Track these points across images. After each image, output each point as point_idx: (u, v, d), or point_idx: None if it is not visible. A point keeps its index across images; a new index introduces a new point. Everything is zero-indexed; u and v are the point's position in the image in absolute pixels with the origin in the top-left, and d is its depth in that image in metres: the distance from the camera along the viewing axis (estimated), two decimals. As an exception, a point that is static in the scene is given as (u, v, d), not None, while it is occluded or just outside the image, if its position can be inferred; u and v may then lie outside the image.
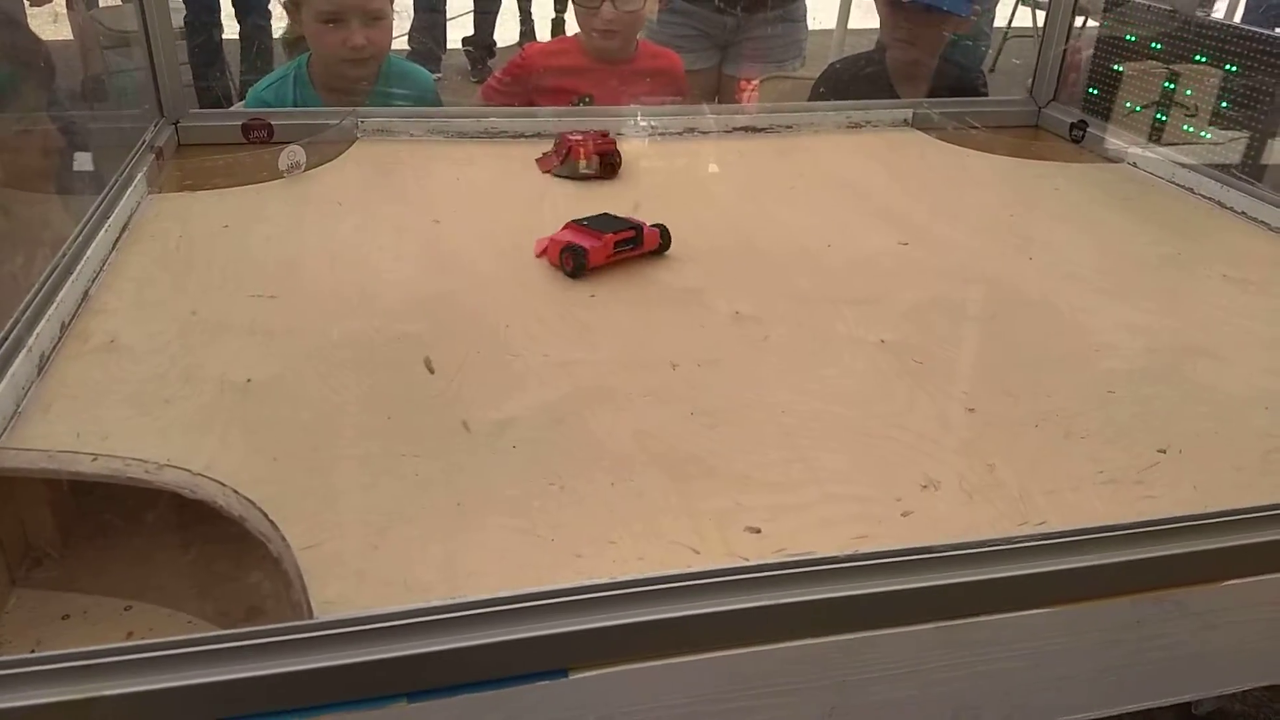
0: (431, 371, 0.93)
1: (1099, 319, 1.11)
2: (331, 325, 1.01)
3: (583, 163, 1.44)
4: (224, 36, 3.65)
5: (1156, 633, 0.72)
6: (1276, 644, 0.77)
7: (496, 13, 4.70)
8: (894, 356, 1.01)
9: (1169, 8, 1.61)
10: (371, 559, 0.70)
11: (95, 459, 0.80)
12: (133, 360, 0.94)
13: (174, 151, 1.48)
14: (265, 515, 0.72)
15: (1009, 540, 0.67)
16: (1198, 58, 1.55)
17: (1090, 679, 0.73)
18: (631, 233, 1.20)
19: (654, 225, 1.23)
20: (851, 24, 4.32)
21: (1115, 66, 1.69)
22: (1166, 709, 1.87)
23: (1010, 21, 5.00)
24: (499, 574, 0.70)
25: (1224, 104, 1.51)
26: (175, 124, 1.50)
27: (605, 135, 1.49)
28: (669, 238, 1.24)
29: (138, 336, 0.98)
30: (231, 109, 1.70)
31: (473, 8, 4.68)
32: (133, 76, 1.56)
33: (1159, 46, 1.62)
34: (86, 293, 1.06)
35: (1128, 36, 1.66)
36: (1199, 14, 1.59)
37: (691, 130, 1.68)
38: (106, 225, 1.16)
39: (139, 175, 1.30)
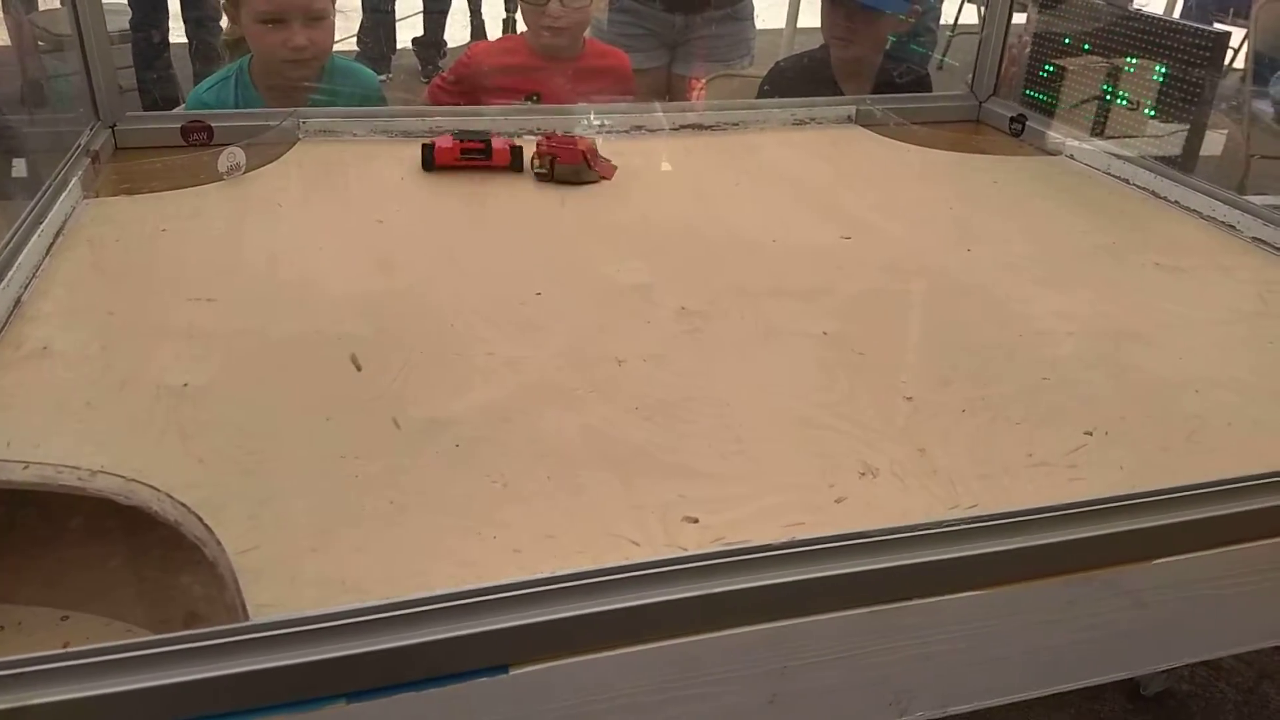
0: (358, 369, 0.93)
1: (1035, 308, 1.13)
2: (271, 328, 1.00)
3: (536, 162, 1.45)
4: (177, 40, 3.59)
5: (1089, 612, 0.74)
6: (1205, 621, 0.79)
7: (446, 12, 4.67)
8: (836, 348, 1.02)
9: (1105, 2, 1.65)
10: (309, 561, 0.69)
11: (27, 467, 0.78)
12: (66, 367, 0.93)
13: (111, 155, 1.46)
14: (200, 520, 0.71)
15: (941, 524, 0.68)
16: (1129, 59, 1.58)
17: (1025, 660, 0.75)
18: (481, 145, 1.37)
19: (512, 146, 1.40)
20: (801, 23, 4.35)
21: (1053, 61, 1.72)
22: (1116, 691, 1.92)
23: (956, 19, 5.08)
24: (440, 573, 0.70)
25: (1150, 107, 1.55)
26: (112, 127, 1.48)
27: (573, 139, 1.49)
28: (520, 159, 1.41)
29: (71, 343, 0.97)
30: (171, 112, 1.67)
31: (422, 8, 4.65)
32: (71, 81, 1.54)
33: (1088, 47, 1.65)
34: (19, 299, 1.03)
35: (1064, 38, 1.69)
36: (1131, 8, 1.63)
37: (639, 128, 1.69)
38: (39, 231, 1.13)
39: (74, 179, 1.28)
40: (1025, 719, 1.71)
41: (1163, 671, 1.70)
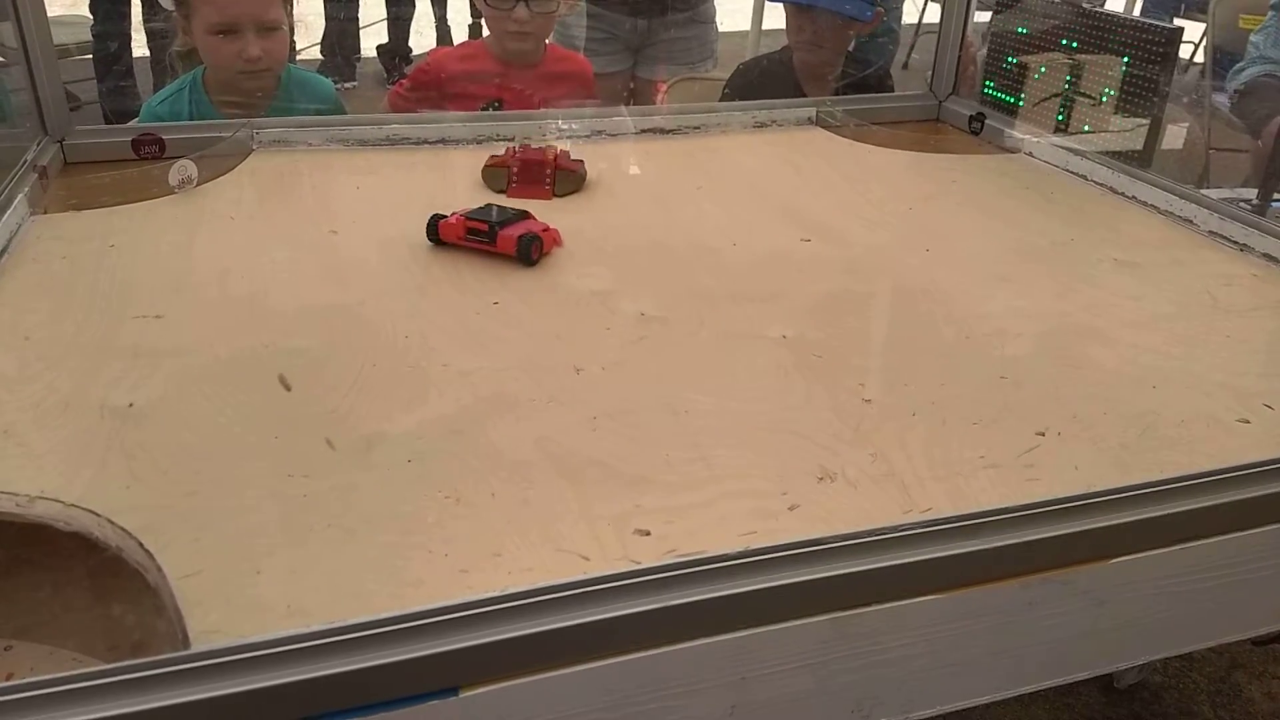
0: (288, 389, 0.91)
1: (994, 306, 1.13)
2: (219, 344, 0.98)
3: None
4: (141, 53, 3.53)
5: (1049, 613, 0.74)
6: (1166, 618, 0.79)
7: (410, 20, 4.65)
8: (795, 352, 1.02)
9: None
10: (254, 584, 0.68)
11: (-38, 494, 0.76)
12: (7, 390, 0.90)
13: (60, 170, 1.43)
14: (140, 545, 0.69)
15: (897, 528, 0.67)
16: (1087, 56, 1.59)
17: (987, 662, 0.74)
18: (485, 226, 1.20)
19: (530, 239, 1.19)
20: (766, 25, 4.36)
21: (1012, 59, 1.73)
22: (1090, 685, 1.92)
23: (921, 18, 5.10)
24: (388, 594, 0.68)
25: (1113, 103, 1.55)
26: (60, 142, 1.45)
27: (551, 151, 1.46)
28: (529, 255, 1.19)
29: (13, 365, 0.94)
30: (122, 125, 1.65)
31: (386, 15, 4.62)
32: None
33: (1065, 43, 1.66)
34: (-40, 320, 1.01)
35: (1019, 29, 1.70)
36: (1086, 6, 1.64)
37: (600, 133, 1.68)
38: (-19, 250, 1.11)
39: (19, 196, 1.25)
40: (999, 715, 1.71)
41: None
